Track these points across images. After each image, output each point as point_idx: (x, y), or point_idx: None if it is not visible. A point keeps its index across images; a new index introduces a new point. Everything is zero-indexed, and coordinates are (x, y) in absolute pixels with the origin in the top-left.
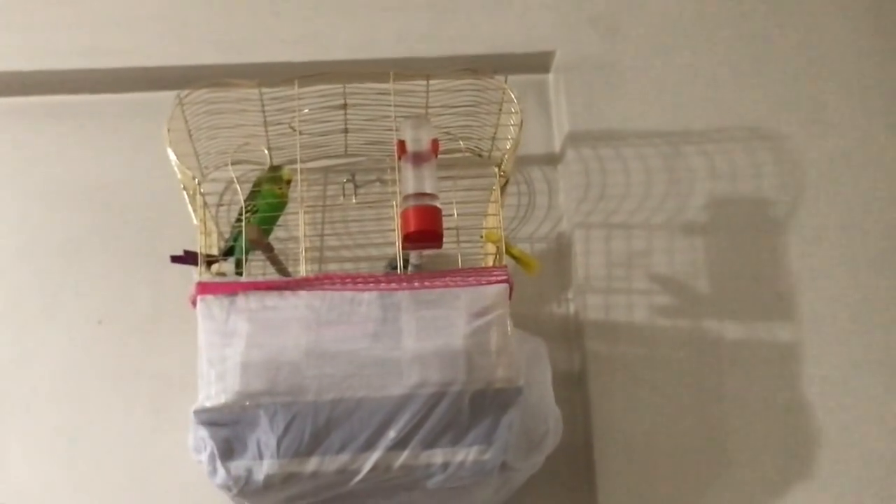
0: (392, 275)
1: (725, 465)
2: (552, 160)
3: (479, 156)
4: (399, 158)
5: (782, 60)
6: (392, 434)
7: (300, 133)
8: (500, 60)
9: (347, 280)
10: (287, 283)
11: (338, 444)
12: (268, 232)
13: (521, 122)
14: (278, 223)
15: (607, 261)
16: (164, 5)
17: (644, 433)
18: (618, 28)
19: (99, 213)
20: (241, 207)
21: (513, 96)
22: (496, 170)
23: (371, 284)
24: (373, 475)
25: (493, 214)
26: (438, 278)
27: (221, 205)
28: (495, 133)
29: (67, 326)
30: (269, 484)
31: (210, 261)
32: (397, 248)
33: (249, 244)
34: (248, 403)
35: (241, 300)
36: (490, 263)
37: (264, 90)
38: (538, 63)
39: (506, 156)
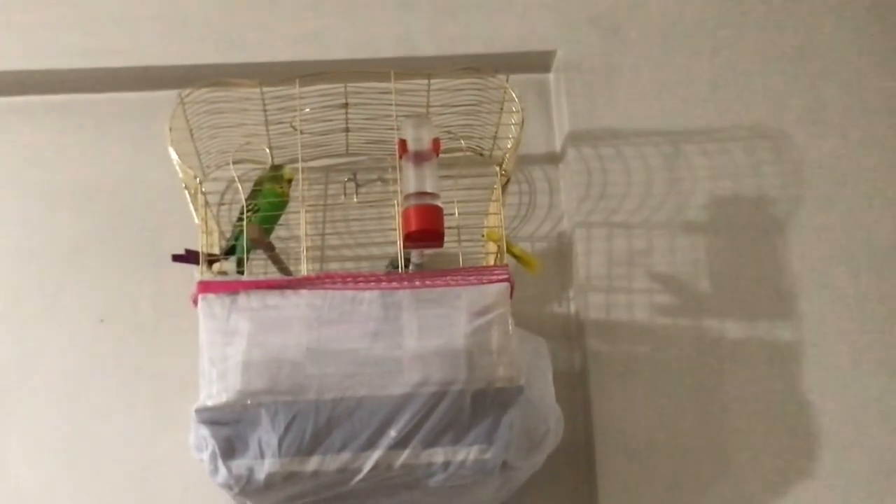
0: (393, 274)
1: (726, 464)
2: (553, 159)
3: (481, 155)
4: (400, 157)
5: (783, 60)
6: (393, 433)
7: (301, 132)
8: (501, 60)
9: (349, 279)
10: (288, 282)
11: (339, 443)
12: (269, 231)
13: (523, 121)
14: (279, 222)
15: (608, 260)
16: (166, 5)
17: (645, 432)
18: (619, 28)
19: (100, 212)
20: (243, 206)
21: (514, 95)
22: (497, 169)
23: (372, 283)
24: (374, 474)
25: (495, 213)
26: (439, 277)
27: (223, 204)
28: (496, 132)
29: (69, 325)
30: (271, 483)
31: (211, 260)
32: (398, 248)
33: (251, 243)
34: (249, 402)
35: (242, 299)
36: (491, 262)
37: (265, 89)
38: (539, 62)
39: (507, 155)
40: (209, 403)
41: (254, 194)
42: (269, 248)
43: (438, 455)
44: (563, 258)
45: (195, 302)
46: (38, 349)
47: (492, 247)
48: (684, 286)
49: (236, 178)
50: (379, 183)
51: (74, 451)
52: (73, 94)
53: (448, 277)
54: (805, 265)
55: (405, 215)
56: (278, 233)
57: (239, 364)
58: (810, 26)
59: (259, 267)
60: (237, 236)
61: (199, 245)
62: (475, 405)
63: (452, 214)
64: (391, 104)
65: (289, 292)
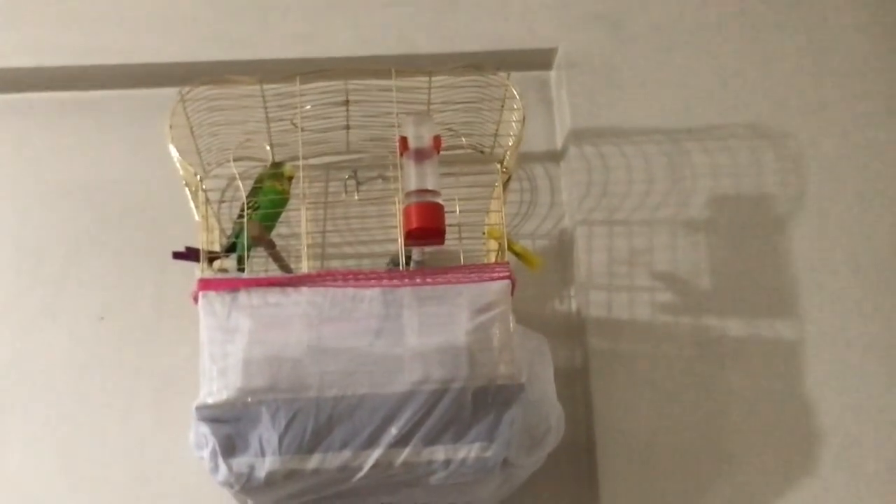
0: (394, 271)
1: (727, 462)
2: (554, 157)
3: (482, 152)
4: (401, 155)
5: (784, 57)
6: (394, 431)
7: (302, 129)
8: (502, 57)
9: (349, 276)
10: (289, 280)
11: (340, 441)
12: (270, 228)
13: (524, 118)
14: (280, 220)
15: (609, 258)
16: (166, 2)
17: (646, 430)
18: (620, 25)
19: (100, 210)
20: (243, 204)
21: (515, 93)
22: (498, 166)
23: (373, 281)
24: (375, 472)
25: (496, 211)
26: (441, 275)
27: (223, 201)
28: (497, 130)
29: (69, 323)
30: (271, 481)
31: (212, 257)
32: (399, 245)
33: (251, 241)
34: (249, 400)
35: (242, 296)
36: (492, 260)
37: (266, 87)
38: (540, 60)
39: (508, 152)
40: (210, 401)
41: (254, 192)
42: (270, 246)
43: (439, 453)
44: (564, 256)
45: (196, 299)
46: (38, 347)
47: (493, 244)
48: (685, 284)
49: (237, 176)
50: (380, 180)
51: (74, 448)
52: (72, 91)
53: (449, 275)
54: (806, 264)
55: (406, 213)
56: (279, 230)
57: (239, 362)
58: (812, 25)
59: (260, 264)
60: (238, 234)
61: (200, 242)
62: (476, 403)
63: (453, 212)
64: (392, 101)
65: (289, 290)
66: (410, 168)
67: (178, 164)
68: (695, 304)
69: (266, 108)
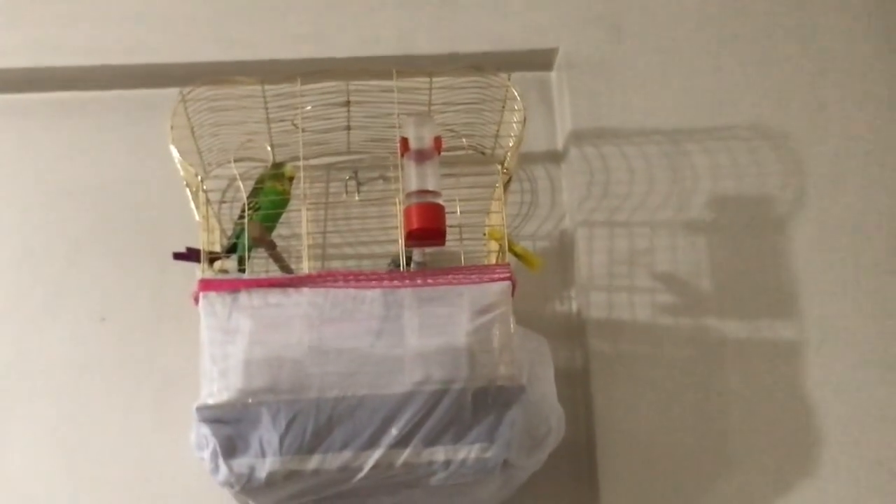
0: (395, 272)
1: (727, 463)
2: (555, 158)
3: (482, 153)
4: (402, 156)
5: (785, 58)
6: (394, 432)
7: (303, 130)
8: (503, 58)
9: (350, 277)
10: (290, 281)
11: (340, 442)
12: (270, 229)
13: (525, 119)
14: (281, 220)
15: (610, 259)
16: (167, 2)
17: (646, 431)
18: (621, 26)
19: (101, 210)
20: (244, 204)
21: (516, 94)
22: (499, 167)
23: (374, 282)
24: (375, 473)
25: (496, 212)
26: (441, 276)
27: (224, 202)
28: (498, 130)
29: (69, 323)
30: (272, 481)
31: (212, 258)
32: (400, 246)
33: (252, 241)
34: (250, 401)
35: (243, 297)
36: (493, 261)
37: (267, 87)
38: (541, 60)
39: (509, 153)
40: (210, 402)
41: (255, 192)
42: (271, 247)
43: (439, 454)
44: (564, 257)
45: (196, 300)
46: (39, 348)
47: (493, 245)
48: (686, 285)
49: (237, 176)
50: (380, 181)
51: (75, 449)
52: (73, 91)
53: (450, 276)
54: (806, 264)
55: (407, 213)
56: (279, 231)
57: (240, 362)
58: (813, 25)
59: (260, 265)
60: (238, 234)
61: (201, 243)
62: (476, 404)
63: (454, 213)
64: (393, 102)
65: (290, 290)
66: (411, 169)
67: (178, 165)
68: (695, 305)
69: (267, 108)
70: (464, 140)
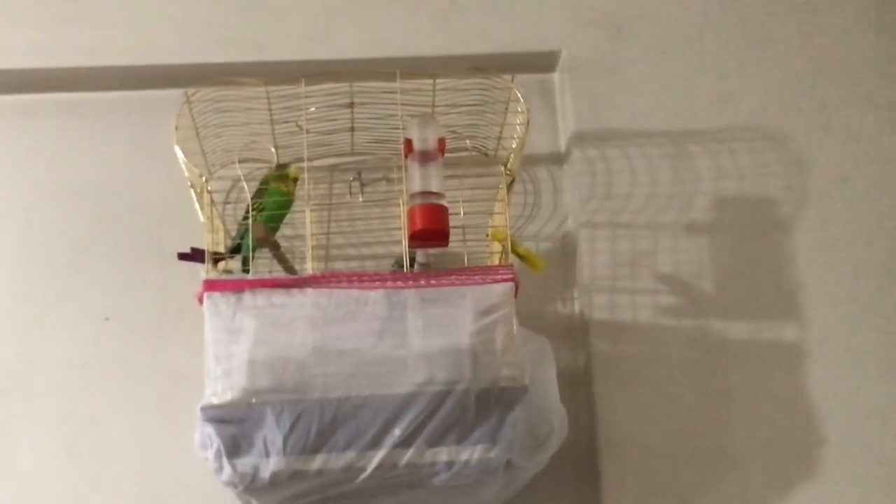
0: (398, 273)
1: (730, 464)
2: (558, 159)
3: (486, 155)
4: (405, 157)
5: (788, 60)
6: (397, 432)
7: (307, 131)
8: (506, 60)
9: (354, 278)
10: (294, 281)
11: (343, 442)
12: (274, 230)
13: (528, 121)
14: (285, 221)
15: (612, 260)
16: (172, 3)
17: (649, 432)
18: (624, 28)
19: (105, 211)
20: (248, 205)
21: (519, 95)
22: (502, 169)
23: (377, 283)
24: (378, 473)
25: (499, 213)
26: (444, 277)
27: (228, 202)
28: (501, 132)
29: (74, 323)
30: (275, 481)
31: (217, 258)
32: (404, 247)
33: (256, 242)
34: (254, 401)
35: (247, 297)
36: (496, 262)
37: (271, 88)
38: (544, 62)
39: (512, 155)
40: (214, 402)
41: (259, 193)
42: (275, 247)
43: (442, 454)
44: (567, 258)
45: (200, 300)
46: (43, 348)
47: (496, 246)
48: (688, 286)
49: (242, 177)
50: (384, 182)
51: (79, 448)
52: (78, 92)
53: (453, 277)
54: (809, 266)
55: (410, 214)
56: (283, 232)
57: (244, 362)
58: (816, 27)
59: (264, 266)
60: (243, 235)
61: (205, 244)
62: (479, 404)
63: (457, 214)
64: (396, 104)
65: (294, 291)
66: (415, 170)
67: (183, 166)
68: (697, 307)
69: (271, 109)
70: (467, 141)
